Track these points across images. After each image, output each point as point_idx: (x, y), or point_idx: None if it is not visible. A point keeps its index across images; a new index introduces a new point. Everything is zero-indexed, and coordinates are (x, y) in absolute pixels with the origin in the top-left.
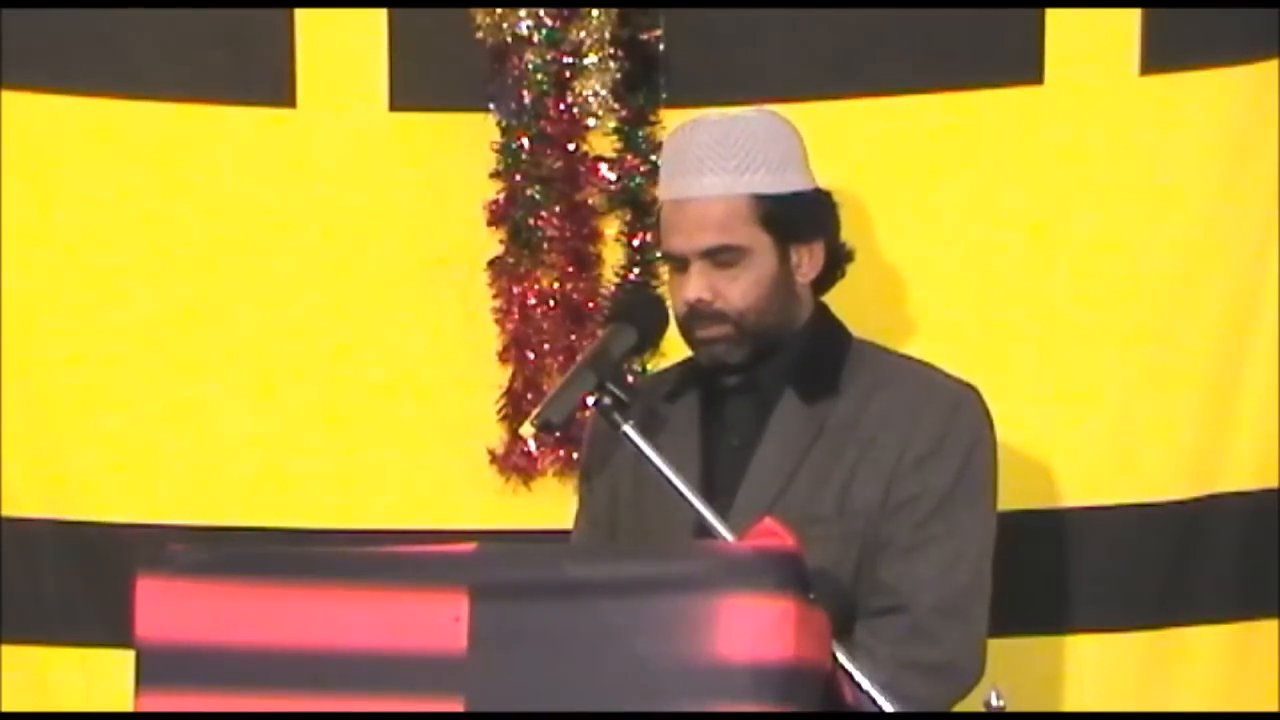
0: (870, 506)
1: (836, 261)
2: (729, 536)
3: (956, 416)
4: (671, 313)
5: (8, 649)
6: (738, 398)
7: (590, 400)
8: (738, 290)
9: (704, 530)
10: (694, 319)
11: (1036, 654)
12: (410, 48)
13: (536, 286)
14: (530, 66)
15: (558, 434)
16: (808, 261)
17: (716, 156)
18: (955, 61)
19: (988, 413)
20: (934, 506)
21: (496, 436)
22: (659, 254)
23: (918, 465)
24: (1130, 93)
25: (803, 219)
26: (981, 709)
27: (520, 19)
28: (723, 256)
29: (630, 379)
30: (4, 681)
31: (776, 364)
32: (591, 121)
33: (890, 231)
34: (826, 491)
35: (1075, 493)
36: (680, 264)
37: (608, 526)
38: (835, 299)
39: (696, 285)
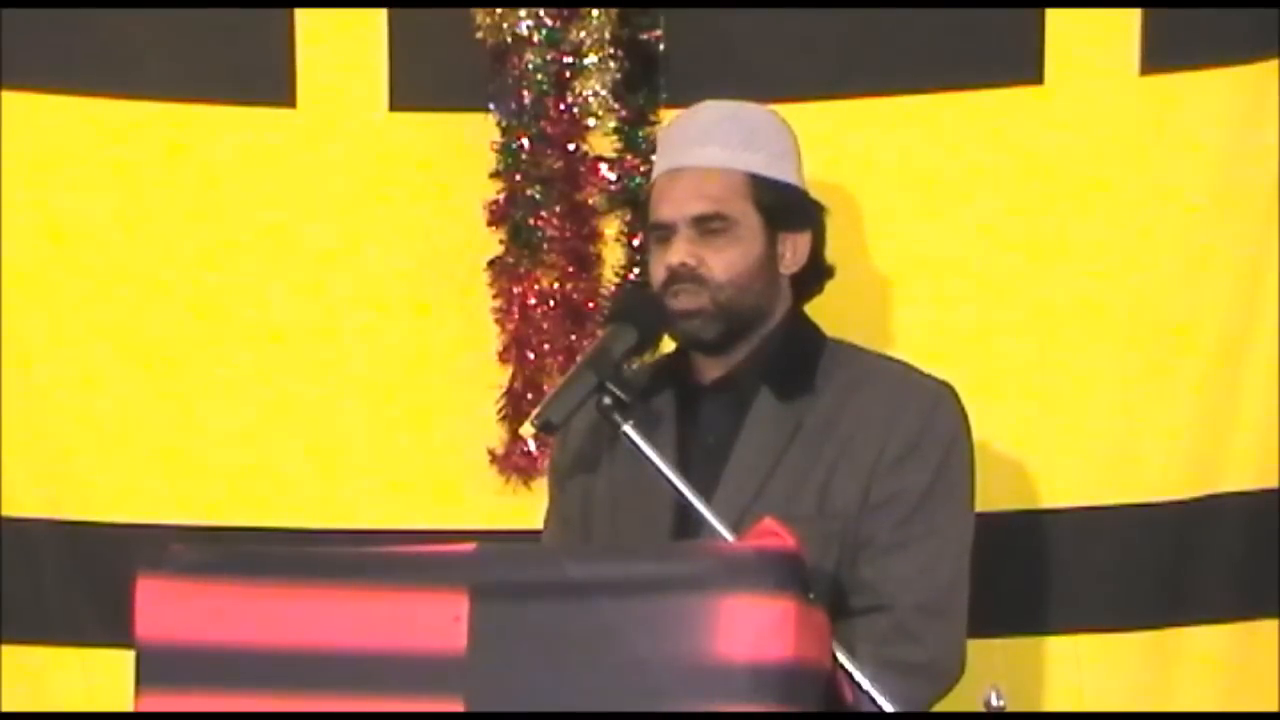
0: (849, 506)
1: (818, 269)
2: (728, 536)
3: (934, 415)
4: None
5: (8, 649)
6: (714, 396)
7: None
8: (721, 261)
9: (680, 533)
10: (673, 283)
11: (1036, 654)
12: (410, 48)
13: (536, 286)
14: (530, 66)
15: (557, 434)
16: (791, 253)
17: (720, 131)
18: (955, 61)
19: (964, 410)
20: (914, 505)
21: (496, 436)
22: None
23: (897, 464)
24: (1130, 93)
25: (794, 209)
26: (981, 709)
27: (520, 19)
28: (712, 224)
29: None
30: (4, 681)
31: (751, 361)
32: (591, 121)
33: (890, 231)
34: (805, 491)
35: (1075, 493)
36: (666, 233)
37: (581, 528)
38: (834, 297)
39: (680, 251)
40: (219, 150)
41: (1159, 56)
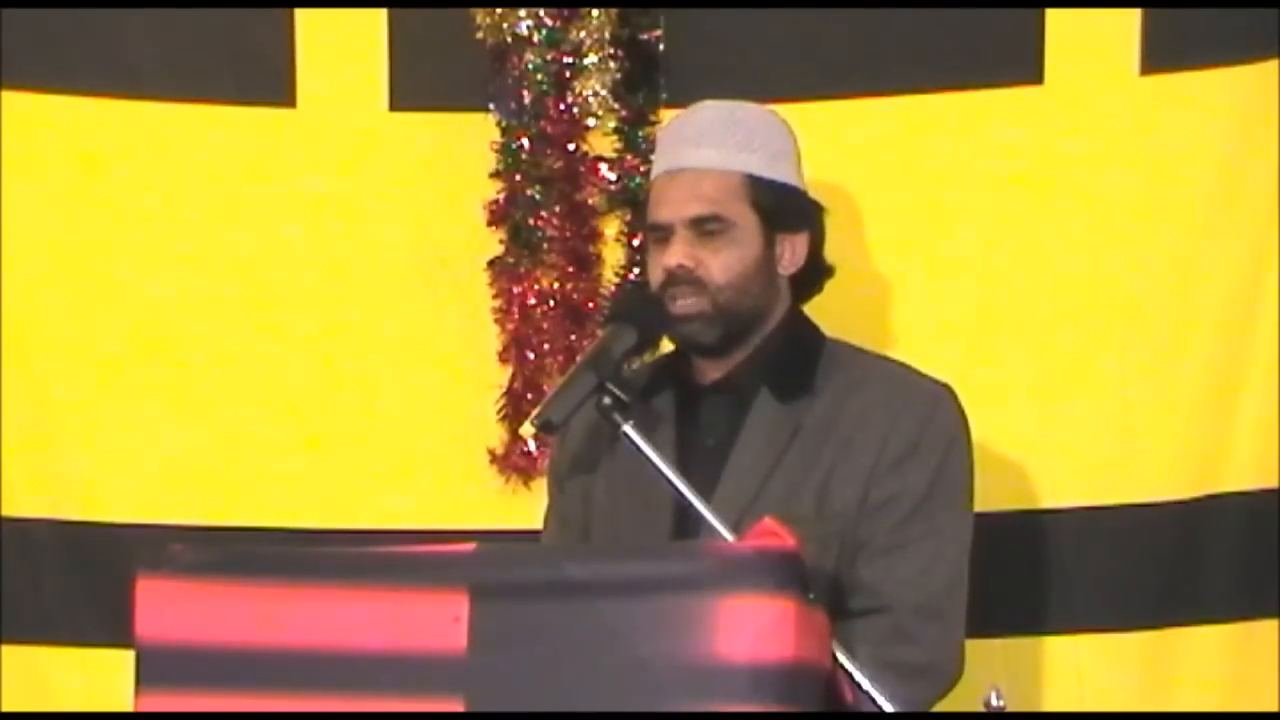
0: (849, 507)
1: (817, 269)
2: (728, 536)
3: (933, 416)
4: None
5: (8, 649)
6: (713, 397)
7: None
8: (719, 263)
9: (680, 533)
10: (671, 286)
11: (1036, 654)
12: (410, 48)
13: (536, 286)
14: (530, 66)
15: (557, 434)
16: (790, 254)
17: (717, 132)
18: (955, 61)
19: (963, 411)
20: (913, 507)
21: (496, 436)
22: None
23: (896, 465)
24: (1130, 93)
25: (791, 209)
26: (981, 709)
27: (520, 19)
28: (709, 226)
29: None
30: (4, 681)
31: (751, 362)
32: (591, 121)
33: (890, 231)
34: (804, 492)
35: (1075, 493)
36: (664, 235)
37: (580, 528)
38: (834, 296)
39: (678, 252)
40: (219, 150)
41: (1159, 56)
